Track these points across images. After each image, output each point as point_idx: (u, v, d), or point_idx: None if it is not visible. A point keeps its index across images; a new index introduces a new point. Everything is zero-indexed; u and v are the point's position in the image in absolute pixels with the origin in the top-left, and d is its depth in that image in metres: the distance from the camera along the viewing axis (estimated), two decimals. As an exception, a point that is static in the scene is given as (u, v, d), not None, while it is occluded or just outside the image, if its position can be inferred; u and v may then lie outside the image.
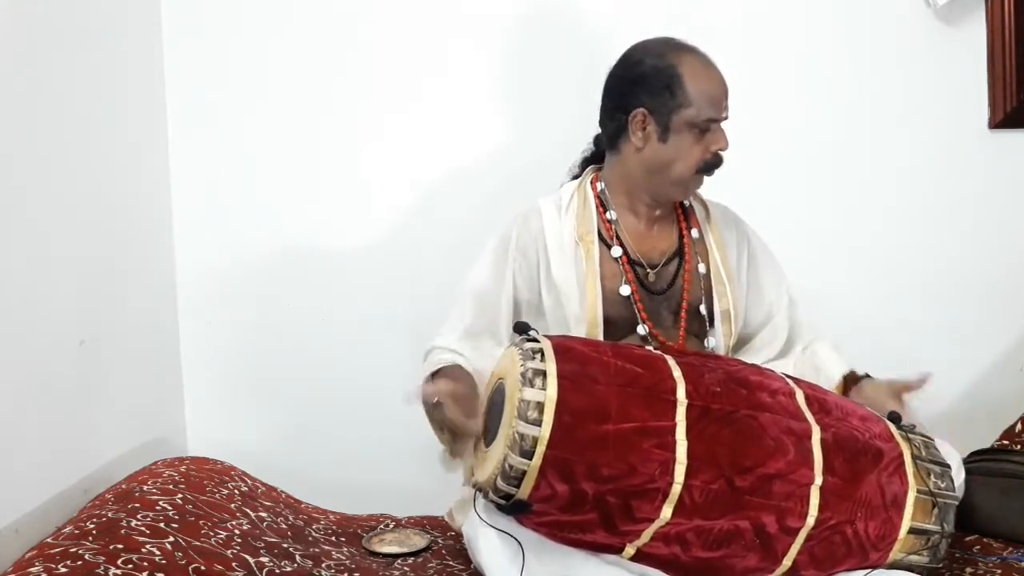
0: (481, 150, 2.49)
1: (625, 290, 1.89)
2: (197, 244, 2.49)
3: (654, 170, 1.88)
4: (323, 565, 1.76)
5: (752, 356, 1.96)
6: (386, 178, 2.51)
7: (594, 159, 2.01)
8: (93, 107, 2.11)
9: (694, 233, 1.97)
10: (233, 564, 1.61)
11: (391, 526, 2.06)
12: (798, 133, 2.51)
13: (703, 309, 1.93)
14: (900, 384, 1.84)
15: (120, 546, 1.56)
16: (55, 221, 1.94)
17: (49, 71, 1.93)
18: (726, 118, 1.86)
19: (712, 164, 1.87)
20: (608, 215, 1.93)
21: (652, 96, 1.84)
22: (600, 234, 1.92)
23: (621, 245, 1.92)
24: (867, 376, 1.91)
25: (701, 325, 1.94)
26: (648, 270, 1.92)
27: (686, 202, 1.99)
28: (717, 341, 1.94)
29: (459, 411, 1.62)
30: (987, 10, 2.50)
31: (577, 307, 1.87)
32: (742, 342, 2.02)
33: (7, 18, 1.79)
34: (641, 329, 1.88)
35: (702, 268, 1.95)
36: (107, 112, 2.18)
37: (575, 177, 2.01)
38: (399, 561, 1.87)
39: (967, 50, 2.51)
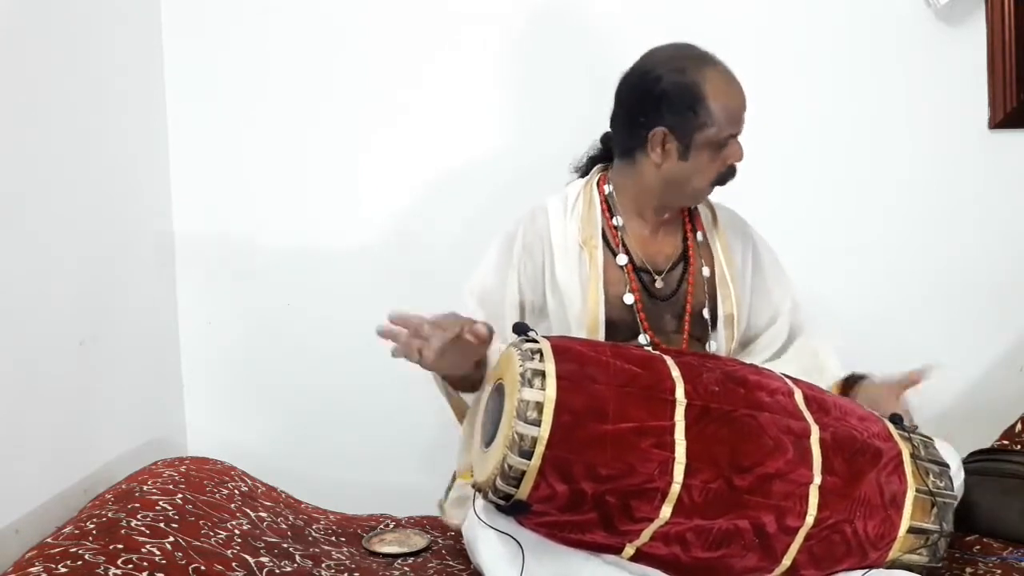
0: (484, 151, 2.49)
1: (629, 299, 1.88)
2: (197, 244, 2.49)
3: (671, 185, 1.87)
4: (323, 565, 1.76)
5: (753, 358, 1.95)
6: (388, 179, 2.51)
7: (601, 159, 1.99)
8: (93, 107, 2.11)
9: (699, 236, 1.96)
10: (233, 564, 1.61)
11: (391, 526, 2.06)
12: (798, 133, 2.51)
13: (706, 313, 1.93)
14: (898, 382, 1.82)
15: (120, 546, 1.56)
16: (55, 221, 1.94)
17: (48, 71, 1.93)
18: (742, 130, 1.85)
19: (727, 175, 1.87)
20: (615, 220, 1.92)
21: (674, 114, 1.80)
22: (605, 238, 1.91)
23: (627, 252, 1.91)
24: (864, 377, 1.90)
25: (704, 329, 1.93)
26: (655, 276, 1.91)
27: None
28: (719, 345, 1.94)
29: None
30: (987, 10, 2.49)
31: (579, 310, 1.86)
32: (744, 344, 2.01)
33: (6, 18, 1.80)
34: (643, 338, 1.87)
35: (706, 271, 1.94)
36: (107, 112, 2.18)
37: (582, 174, 1.99)
38: (399, 561, 1.87)
39: (967, 50, 2.51)
